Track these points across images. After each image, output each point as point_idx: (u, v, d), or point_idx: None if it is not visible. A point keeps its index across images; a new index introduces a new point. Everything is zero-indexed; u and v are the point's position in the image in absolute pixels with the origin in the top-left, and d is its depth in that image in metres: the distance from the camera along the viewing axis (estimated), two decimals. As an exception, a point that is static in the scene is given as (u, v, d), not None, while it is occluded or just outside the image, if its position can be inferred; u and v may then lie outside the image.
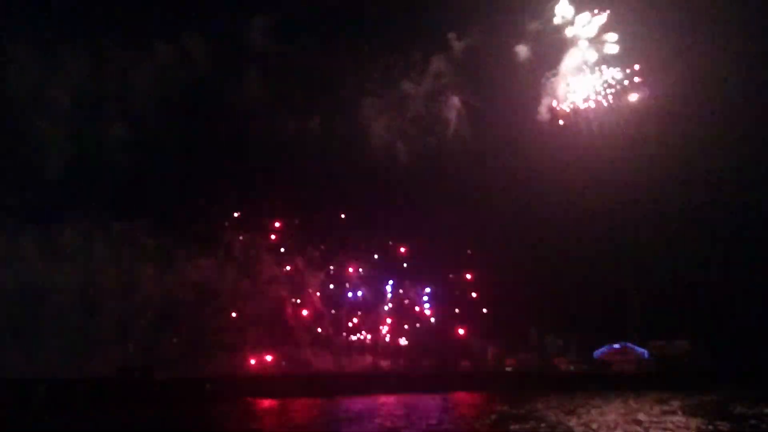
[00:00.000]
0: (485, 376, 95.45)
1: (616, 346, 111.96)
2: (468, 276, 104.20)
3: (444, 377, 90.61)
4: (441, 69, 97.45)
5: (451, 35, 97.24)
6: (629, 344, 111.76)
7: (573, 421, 46.00)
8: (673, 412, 53.80)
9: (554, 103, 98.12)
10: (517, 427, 43.41)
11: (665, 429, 41.86)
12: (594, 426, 42.36)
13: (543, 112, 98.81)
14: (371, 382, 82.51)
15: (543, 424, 43.94)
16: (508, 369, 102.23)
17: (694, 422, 45.38)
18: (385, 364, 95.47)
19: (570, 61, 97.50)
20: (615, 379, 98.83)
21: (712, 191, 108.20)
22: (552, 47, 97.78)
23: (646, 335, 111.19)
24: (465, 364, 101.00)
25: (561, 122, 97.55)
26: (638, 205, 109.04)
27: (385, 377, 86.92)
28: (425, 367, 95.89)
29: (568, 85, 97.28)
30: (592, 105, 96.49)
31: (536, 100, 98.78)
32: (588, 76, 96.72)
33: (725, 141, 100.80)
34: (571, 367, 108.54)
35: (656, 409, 56.76)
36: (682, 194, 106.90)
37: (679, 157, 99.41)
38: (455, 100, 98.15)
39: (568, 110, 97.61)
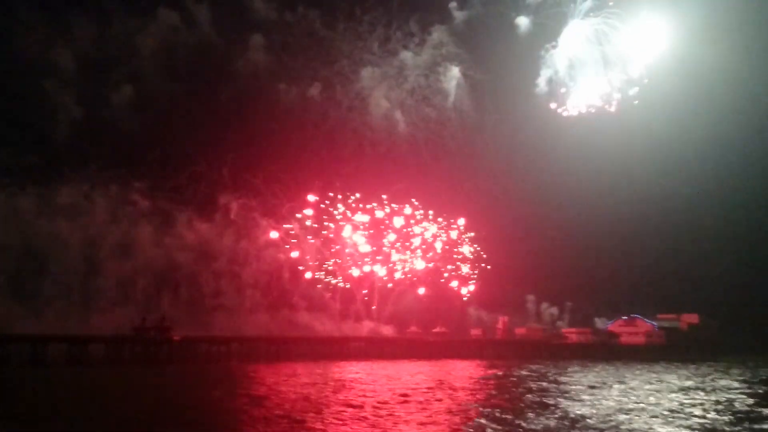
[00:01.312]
0: (494, 344, 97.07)
1: (625, 318, 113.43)
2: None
3: (455, 344, 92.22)
4: (442, 40, 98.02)
5: (452, 5, 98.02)
6: (638, 317, 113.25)
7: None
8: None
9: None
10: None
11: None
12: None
13: (541, 84, 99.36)
14: (375, 348, 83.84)
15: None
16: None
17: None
18: (387, 330, 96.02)
19: (569, 34, 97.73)
20: (621, 350, 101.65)
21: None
22: (551, 20, 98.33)
23: (653, 309, 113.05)
24: (476, 332, 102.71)
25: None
26: (645, 183, 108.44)
27: (389, 343, 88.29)
28: (437, 335, 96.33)
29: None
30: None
31: (535, 71, 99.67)
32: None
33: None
34: (582, 338, 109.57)
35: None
36: (690, 174, 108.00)
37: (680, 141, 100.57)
38: (455, 71, 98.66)
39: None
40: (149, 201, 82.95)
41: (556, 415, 30.43)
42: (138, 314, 75.07)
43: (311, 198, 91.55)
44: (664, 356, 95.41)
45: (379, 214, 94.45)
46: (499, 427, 27.30)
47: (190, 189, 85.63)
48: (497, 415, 30.73)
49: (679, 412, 32.45)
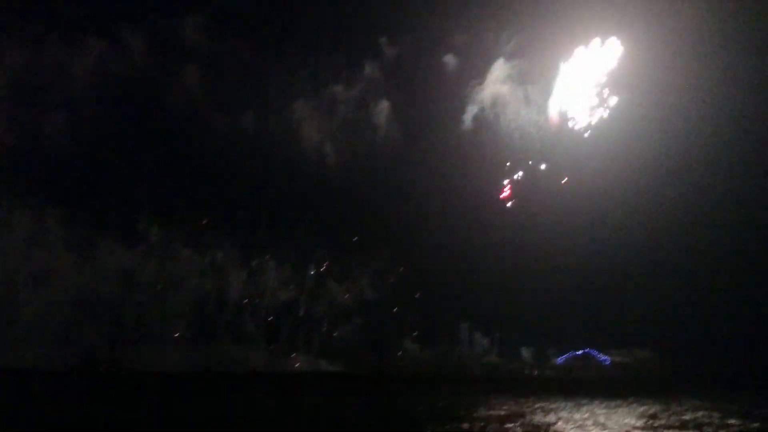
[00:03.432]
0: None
1: (578, 353, 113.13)
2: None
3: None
4: (372, 74, 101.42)
5: (383, 40, 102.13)
6: (592, 351, 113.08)
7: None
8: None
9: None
10: None
11: None
12: None
13: (467, 120, 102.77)
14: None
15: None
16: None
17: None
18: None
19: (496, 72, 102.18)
20: (573, 385, 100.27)
21: (672, 193, 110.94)
22: (478, 58, 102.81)
23: (609, 343, 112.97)
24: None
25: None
26: (590, 212, 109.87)
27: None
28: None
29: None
30: None
31: (461, 108, 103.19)
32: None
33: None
34: (535, 372, 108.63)
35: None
36: (640, 194, 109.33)
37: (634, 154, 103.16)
38: (385, 105, 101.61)
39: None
40: (69, 228, 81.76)
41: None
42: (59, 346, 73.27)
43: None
44: (614, 392, 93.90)
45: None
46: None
47: (112, 216, 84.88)
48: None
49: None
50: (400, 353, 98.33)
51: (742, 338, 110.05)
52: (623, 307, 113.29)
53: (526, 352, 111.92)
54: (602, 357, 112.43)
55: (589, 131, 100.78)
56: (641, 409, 65.29)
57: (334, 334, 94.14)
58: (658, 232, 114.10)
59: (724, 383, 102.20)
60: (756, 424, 49.09)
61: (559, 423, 49.87)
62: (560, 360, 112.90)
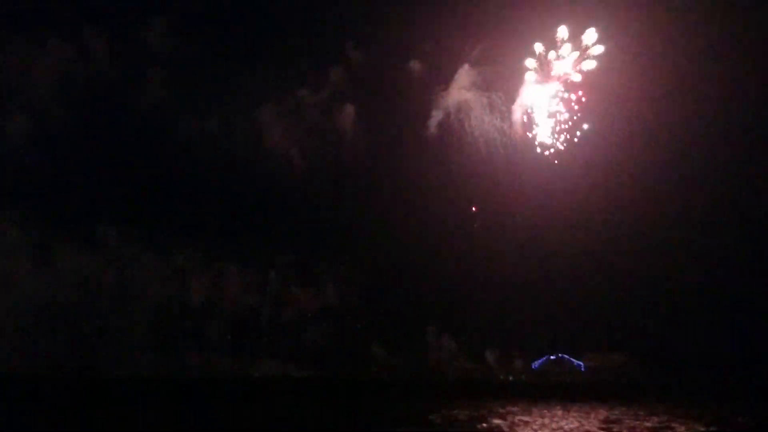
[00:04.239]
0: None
1: (553, 357, 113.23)
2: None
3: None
4: (338, 79, 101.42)
5: (348, 46, 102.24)
6: (565, 356, 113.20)
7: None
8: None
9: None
10: None
11: None
12: None
13: (432, 125, 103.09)
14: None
15: None
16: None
17: None
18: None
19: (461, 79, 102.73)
20: (547, 389, 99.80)
21: (649, 199, 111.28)
22: (443, 65, 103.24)
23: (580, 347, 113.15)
24: None
25: None
26: (566, 218, 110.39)
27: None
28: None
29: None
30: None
31: (426, 112, 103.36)
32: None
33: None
34: (510, 377, 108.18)
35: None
36: (615, 199, 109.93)
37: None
38: (351, 110, 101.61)
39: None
40: (25, 232, 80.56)
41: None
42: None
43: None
44: (591, 397, 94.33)
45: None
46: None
47: (73, 222, 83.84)
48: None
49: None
50: (366, 358, 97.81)
51: (719, 344, 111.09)
52: (598, 311, 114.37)
53: (492, 356, 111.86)
54: (576, 362, 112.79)
55: (551, 149, 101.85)
56: (604, 414, 65.22)
57: (299, 340, 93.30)
58: (635, 237, 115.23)
59: (698, 388, 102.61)
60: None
61: (510, 426, 49.80)
62: (535, 365, 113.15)
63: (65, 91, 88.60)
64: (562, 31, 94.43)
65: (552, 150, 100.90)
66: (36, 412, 56.14)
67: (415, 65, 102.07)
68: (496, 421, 53.79)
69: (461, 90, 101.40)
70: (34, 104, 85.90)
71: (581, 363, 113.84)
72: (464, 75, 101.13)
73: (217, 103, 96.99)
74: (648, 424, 52.58)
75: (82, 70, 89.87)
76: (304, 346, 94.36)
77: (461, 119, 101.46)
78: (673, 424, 53.53)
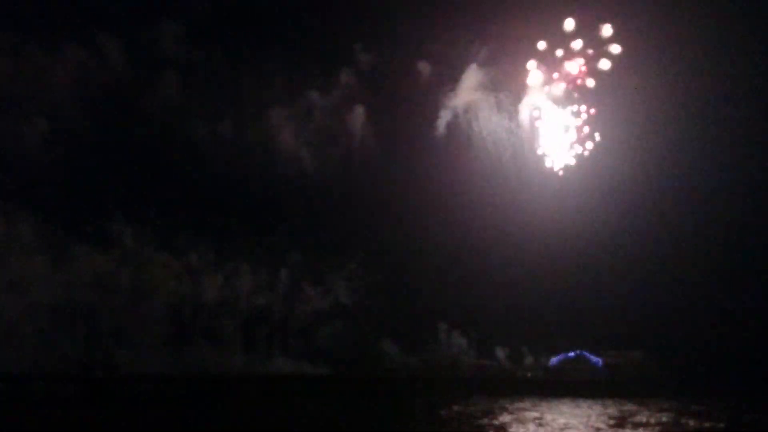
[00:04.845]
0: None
1: (571, 354, 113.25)
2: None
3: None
4: (348, 81, 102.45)
5: (357, 47, 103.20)
6: (585, 353, 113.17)
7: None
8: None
9: None
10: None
11: None
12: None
13: (440, 125, 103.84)
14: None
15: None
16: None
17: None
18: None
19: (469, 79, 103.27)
20: (565, 386, 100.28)
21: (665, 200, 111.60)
22: (451, 65, 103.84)
23: (599, 345, 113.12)
24: None
25: None
26: (584, 212, 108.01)
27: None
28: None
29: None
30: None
31: (435, 114, 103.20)
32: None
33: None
34: (528, 374, 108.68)
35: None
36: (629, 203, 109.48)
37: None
38: (361, 112, 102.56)
39: None
40: (43, 234, 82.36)
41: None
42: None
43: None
44: (607, 393, 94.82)
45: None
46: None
47: (88, 222, 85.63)
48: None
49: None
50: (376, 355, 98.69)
51: (736, 340, 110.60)
52: (616, 308, 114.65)
53: (503, 353, 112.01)
54: (595, 359, 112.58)
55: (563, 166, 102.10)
56: (614, 410, 65.57)
57: (311, 338, 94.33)
58: (652, 233, 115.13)
59: (716, 384, 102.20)
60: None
61: (512, 421, 50.49)
62: (553, 361, 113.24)
63: (81, 94, 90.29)
64: (569, 24, 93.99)
65: (561, 166, 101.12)
66: (51, 411, 57.61)
67: (423, 66, 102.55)
68: (506, 418, 54.74)
69: (469, 90, 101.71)
70: (50, 107, 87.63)
71: (600, 359, 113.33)
72: (472, 75, 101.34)
73: (229, 106, 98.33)
74: (653, 421, 52.91)
75: (97, 73, 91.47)
76: (317, 344, 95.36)
77: (469, 120, 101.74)
78: (682, 420, 53.93)
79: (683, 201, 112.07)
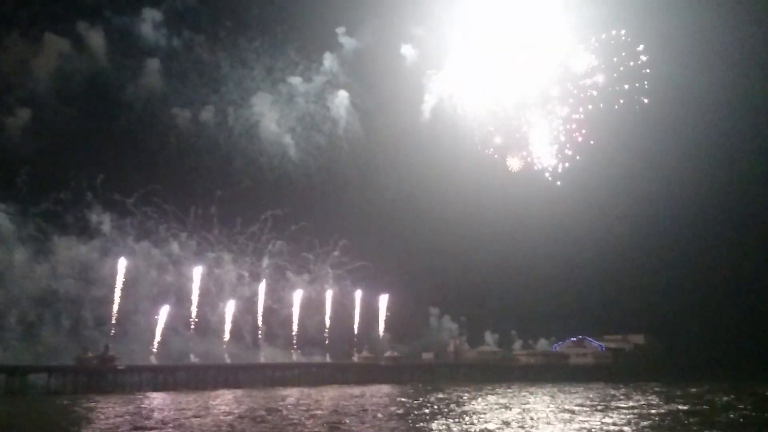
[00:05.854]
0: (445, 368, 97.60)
1: (574, 339, 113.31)
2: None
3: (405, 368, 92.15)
4: (331, 67, 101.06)
5: (340, 31, 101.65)
6: (587, 338, 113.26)
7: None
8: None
9: None
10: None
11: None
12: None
13: (426, 109, 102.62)
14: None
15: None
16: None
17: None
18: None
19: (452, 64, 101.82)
20: (569, 371, 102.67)
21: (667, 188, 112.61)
22: (435, 49, 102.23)
23: (601, 330, 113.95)
24: (427, 356, 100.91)
25: None
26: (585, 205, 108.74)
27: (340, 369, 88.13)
28: (389, 359, 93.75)
29: None
30: None
31: (419, 99, 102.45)
32: None
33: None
34: (531, 360, 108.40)
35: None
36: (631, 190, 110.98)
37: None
38: (344, 98, 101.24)
39: None
40: (22, 225, 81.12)
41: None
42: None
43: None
44: (610, 377, 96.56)
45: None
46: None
47: (69, 212, 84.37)
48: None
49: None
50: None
51: (737, 325, 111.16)
52: (619, 294, 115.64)
53: (490, 338, 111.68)
54: (597, 343, 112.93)
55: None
56: (592, 393, 64.87)
57: (299, 327, 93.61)
58: (656, 224, 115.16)
59: (718, 368, 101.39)
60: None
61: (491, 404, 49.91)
62: (556, 346, 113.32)
63: (61, 84, 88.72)
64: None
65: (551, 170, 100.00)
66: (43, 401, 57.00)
67: (407, 50, 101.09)
68: (501, 399, 54.34)
69: (453, 73, 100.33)
70: (31, 97, 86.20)
71: (602, 344, 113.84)
72: (455, 58, 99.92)
73: (211, 93, 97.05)
74: (631, 403, 52.05)
75: (77, 62, 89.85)
76: (305, 334, 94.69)
77: (454, 103, 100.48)
78: (667, 405, 53.01)
79: (682, 191, 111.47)
